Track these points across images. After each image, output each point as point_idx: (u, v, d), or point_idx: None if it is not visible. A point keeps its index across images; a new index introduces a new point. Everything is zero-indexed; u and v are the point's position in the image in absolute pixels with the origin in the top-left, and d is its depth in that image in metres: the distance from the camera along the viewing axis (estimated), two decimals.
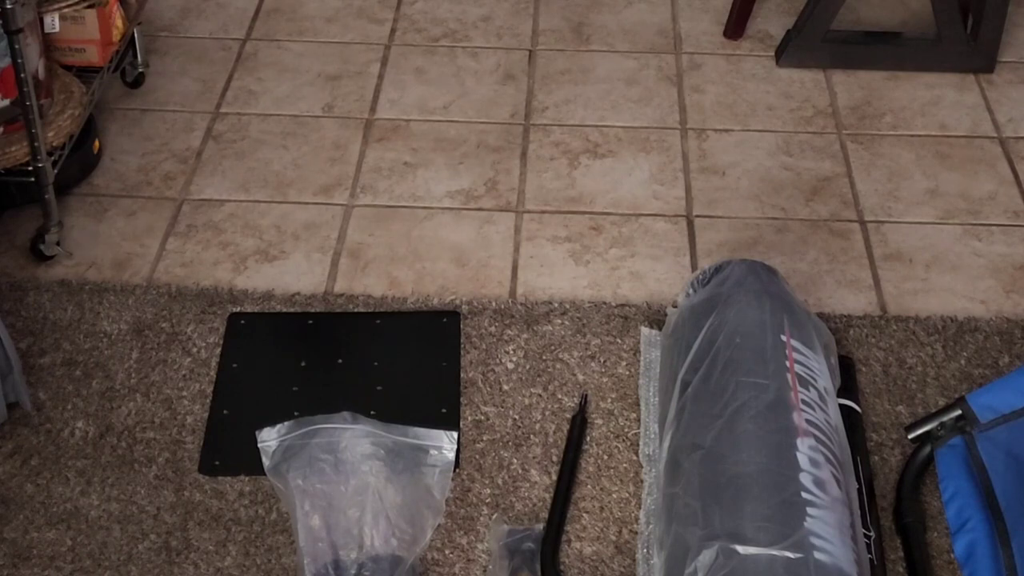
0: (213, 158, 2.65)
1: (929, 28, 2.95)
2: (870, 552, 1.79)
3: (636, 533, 1.90)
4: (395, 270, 2.38)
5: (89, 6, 2.49)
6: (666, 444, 1.86)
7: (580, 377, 2.15)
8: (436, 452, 1.95)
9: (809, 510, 1.65)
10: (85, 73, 2.53)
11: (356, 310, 2.28)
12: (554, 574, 1.83)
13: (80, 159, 2.53)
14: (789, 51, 2.94)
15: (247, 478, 1.97)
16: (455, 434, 1.98)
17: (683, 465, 1.78)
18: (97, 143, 2.60)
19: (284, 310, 2.28)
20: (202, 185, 2.58)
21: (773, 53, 2.98)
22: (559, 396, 2.11)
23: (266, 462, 1.93)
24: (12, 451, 2.01)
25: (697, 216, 2.52)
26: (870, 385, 2.14)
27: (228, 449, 2.03)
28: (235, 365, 2.16)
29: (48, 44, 2.43)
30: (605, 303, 2.29)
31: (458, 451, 2.00)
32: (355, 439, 1.92)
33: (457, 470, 1.99)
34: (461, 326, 2.24)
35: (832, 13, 2.88)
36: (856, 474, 1.88)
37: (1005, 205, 2.57)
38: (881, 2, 3.17)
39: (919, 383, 2.15)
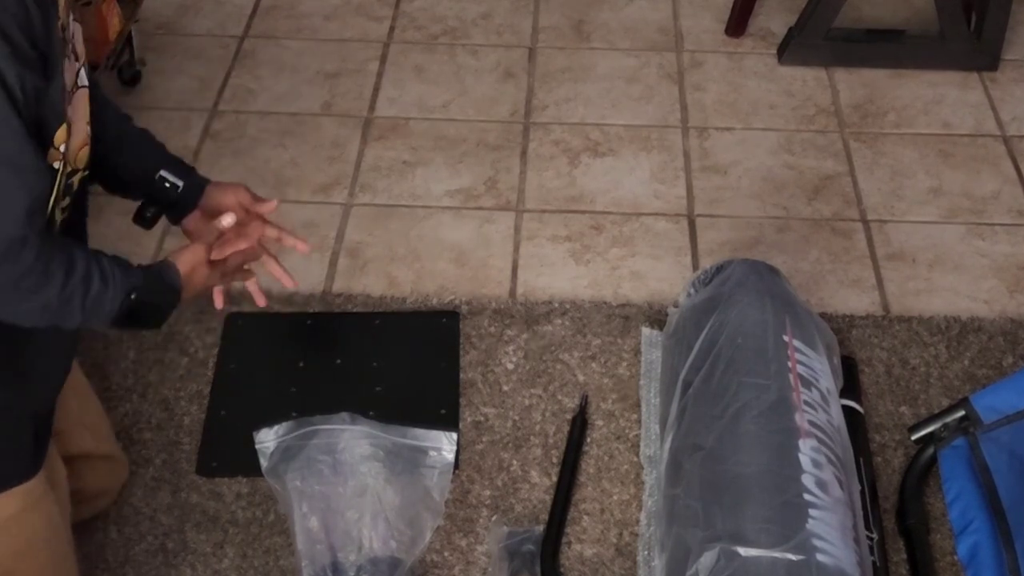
0: (211, 157, 2.64)
1: (932, 26, 2.94)
2: (872, 554, 1.78)
3: (637, 535, 1.89)
4: (394, 270, 2.37)
5: (85, 4, 2.47)
6: (667, 445, 1.85)
7: (580, 378, 2.13)
8: (435, 453, 1.93)
9: (811, 511, 1.64)
10: None
11: (355, 310, 2.27)
12: None
13: None
14: (791, 49, 2.92)
15: (244, 479, 1.96)
16: (454, 435, 1.96)
17: (684, 466, 1.77)
18: None
19: (282, 310, 2.26)
20: None
21: (775, 51, 2.97)
22: (559, 397, 2.10)
23: (264, 463, 1.91)
24: None
25: (698, 215, 2.51)
26: (873, 386, 2.13)
27: (225, 450, 2.01)
28: (233, 366, 2.15)
29: None
30: (606, 303, 2.28)
31: (457, 452, 1.99)
32: (354, 440, 1.90)
33: (457, 471, 1.97)
34: (461, 326, 2.22)
35: (834, 10, 2.87)
36: (858, 475, 1.87)
37: (1009, 204, 2.55)
38: (884, 0, 3.16)
39: (922, 384, 2.14)
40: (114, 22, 2.57)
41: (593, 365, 2.16)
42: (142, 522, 1.90)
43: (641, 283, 2.35)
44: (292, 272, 2.35)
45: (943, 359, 2.18)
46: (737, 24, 3.03)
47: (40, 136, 1.31)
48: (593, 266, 2.39)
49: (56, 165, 1.36)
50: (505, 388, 2.12)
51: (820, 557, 1.59)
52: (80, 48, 1.46)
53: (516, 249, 2.43)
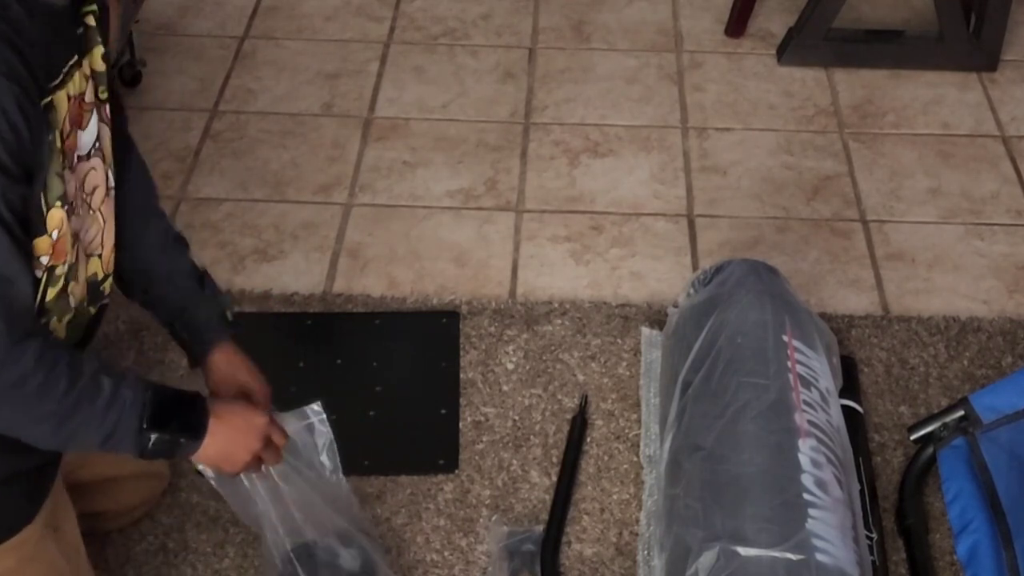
0: (211, 157, 2.64)
1: (931, 26, 2.94)
2: (872, 554, 1.78)
3: (637, 535, 1.89)
4: (394, 270, 2.37)
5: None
6: (667, 445, 1.85)
7: (580, 378, 2.14)
8: (311, 427, 1.75)
9: (811, 511, 1.64)
10: None
11: (355, 310, 2.27)
12: None
13: None
14: (791, 49, 2.93)
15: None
16: (316, 405, 1.76)
17: (684, 466, 1.77)
18: None
19: (282, 310, 2.27)
20: (200, 184, 2.57)
21: (775, 51, 2.97)
22: (559, 397, 2.10)
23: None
24: None
25: (698, 216, 2.51)
26: (872, 385, 2.13)
27: None
28: None
29: None
30: (605, 303, 2.28)
31: (457, 452, 2.00)
32: None
33: (456, 471, 1.98)
34: (460, 326, 2.22)
35: (834, 11, 2.87)
36: (858, 475, 1.87)
37: (1008, 204, 2.55)
38: (883, 0, 3.16)
39: (921, 383, 2.14)
40: (115, 23, 2.57)
41: (593, 365, 2.16)
42: (142, 522, 1.90)
43: (641, 283, 2.35)
44: (293, 272, 2.37)
45: (942, 359, 2.19)
46: (737, 25, 3.03)
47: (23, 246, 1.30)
48: (593, 266, 2.39)
49: (38, 274, 1.34)
50: (505, 388, 2.12)
51: (820, 557, 1.59)
52: (107, 151, 1.47)
53: (516, 249, 2.43)
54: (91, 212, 1.45)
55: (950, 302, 2.32)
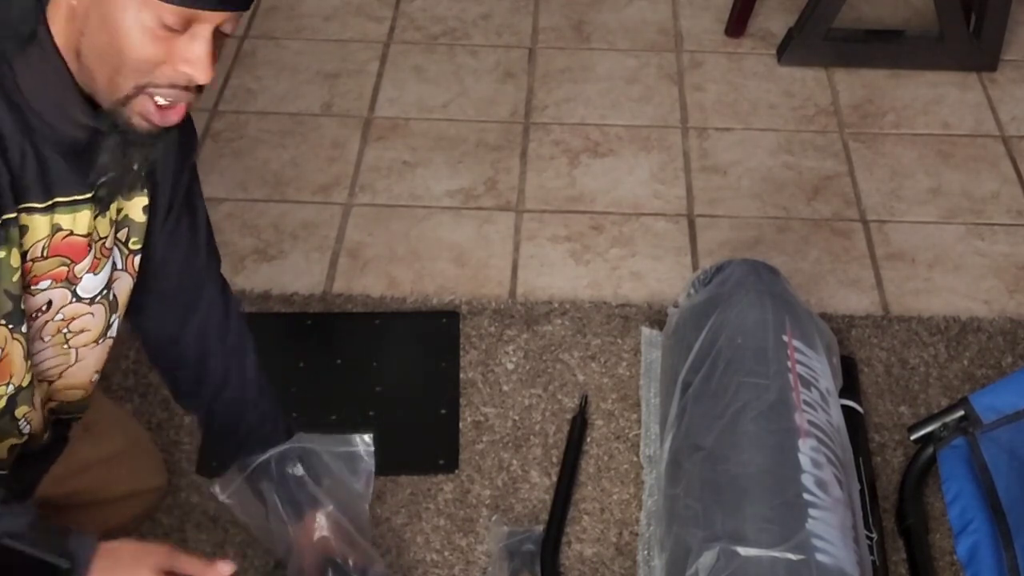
0: (211, 157, 2.64)
1: (932, 26, 2.94)
2: (872, 554, 1.78)
3: (637, 535, 1.89)
4: (394, 270, 2.37)
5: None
6: (667, 445, 1.85)
7: (580, 378, 2.14)
8: (354, 456, 1.78)
9: (811, 511, 1.64)
10: None
11: (355, 310, 2.27)
12: None
13: None
14: (791, 49, 2.93)
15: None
16: (368, 436, 1.78)
17: (684, 466, 1.77)
18: None
19: (282, 310, 2.27)
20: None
21: (775, 51, 2.97)
22: (559, 397, 2.10)
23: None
24: None
25: (698, 215, 2.51)
26: (872, 385, 2.13)
27: None
28: None
29: None
30: (606, 303, 2.28)
31: (457, 452, 2.00)
32: (287, 461, 1.75)
33: (456, 471, 1.98)
34: (460, 326, 2.22)
35: (834, 11, 2.87)
36: (858, 475, 1.87)
37: (1008, 204, 2.55)
38: (883, 0, 3.16)
39: (921, 383, 2.14)
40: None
41: (593, 365, 2.16)
42: (142, 522, 1.90)
43: (641, 283, 2.35)
44: (293, 272, 2.37)
45: (942, 359, 2.18)
46: (737, 24, 3.03)
47: None
48: (593, 266, 2.39)
49: None
50: (505, 388, 2.12)
51: (820, 557, 1.59)
52: (121, 301, 1.46)
53: (516, 249, 2.43)
54: (64, 346, 1.43)
55: (950, 302, 2.32)
